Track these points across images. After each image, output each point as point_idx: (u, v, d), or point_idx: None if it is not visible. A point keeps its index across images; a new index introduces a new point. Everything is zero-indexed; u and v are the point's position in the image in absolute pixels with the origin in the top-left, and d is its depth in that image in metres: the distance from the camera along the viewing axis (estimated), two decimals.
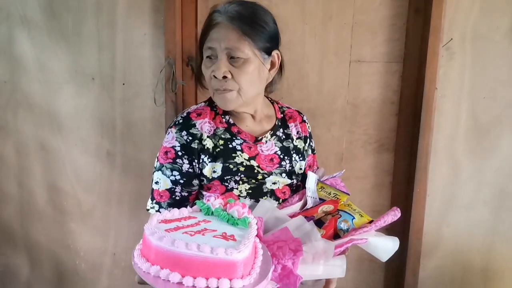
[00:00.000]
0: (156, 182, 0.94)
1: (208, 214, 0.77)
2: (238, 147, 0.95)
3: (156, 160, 0.95)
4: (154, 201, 0.94)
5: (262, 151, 0.97)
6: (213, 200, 0.79)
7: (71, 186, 1.61)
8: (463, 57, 1.36)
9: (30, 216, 1.66)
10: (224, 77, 0.88)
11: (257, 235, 0.77)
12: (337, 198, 0.97)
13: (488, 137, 1.40)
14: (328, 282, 0.89)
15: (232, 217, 0.74)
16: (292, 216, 0.91)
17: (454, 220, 1.47)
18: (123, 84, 1.50)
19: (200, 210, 0.79)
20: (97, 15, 1.45)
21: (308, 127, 1.10)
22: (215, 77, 0.89)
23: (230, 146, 0.94)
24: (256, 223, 0.78)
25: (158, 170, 0.94)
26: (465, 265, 1.49)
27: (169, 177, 0.92)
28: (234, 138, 0.96)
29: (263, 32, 0.90)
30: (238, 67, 0.88)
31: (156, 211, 0.94)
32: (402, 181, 1.49)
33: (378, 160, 1.52)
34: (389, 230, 0.90)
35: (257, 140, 0.98)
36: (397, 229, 0.95)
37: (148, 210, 0.95)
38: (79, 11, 1.46)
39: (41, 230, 1.67)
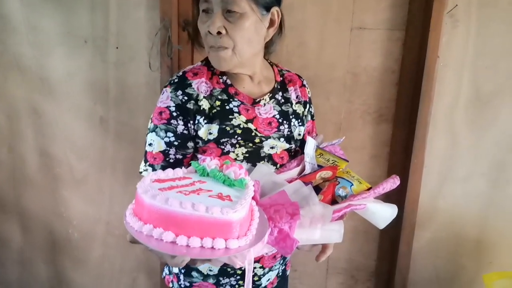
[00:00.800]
0: (150, 144, 0.91)
1: (204, 175, 0.75)
2: (235, 109, 0.92)
3: (150, 121, 0.91)
4: (148, 163, 0.91)
5: (260, 114, 0.94)
6: (209, 161, 0.77)
7: (63, 153, 1.57)
8: (467, 24, 1.32)
9: (22, 182, 1.64)
10: (219, 32, 0.84)
11: (253, 198, 0.75)
12: (336, 165, 0.95)
13: (488, 108, 1.38)
14: (324, 247, 0.88)
15: (229, 178, 0.73)
16: (290, 181, 0.89)
17: (450, 191, 1.46)
18: (117, 47, 1.45)
19: (195, 171, 0.77)
20: None
21: (308, 92, 1.06)
22: (210, 33, 0.85)
23: (227, 107, 0.91)
24: (253, 185, 0.77)
25: (152, 132, 0.90)
26: (459, 236, 1.50)
27: (163, 139, 0.89)
28: (231, 99, 0.92)
29: None
30: (233, 22, 0.84)
31: None
32: (399, 152, 1.48)
33: (377, 131, 1.50)
34: (385, 200, 0.89)
35: (255, 102, 0.94)
36: (392, 200, 0.94)
37: (141, 172, 0.92)
38: None
39: (33, 197, 1.65)
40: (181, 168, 0.77)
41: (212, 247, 0.60)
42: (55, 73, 1.50)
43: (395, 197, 1.40)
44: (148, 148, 0.91)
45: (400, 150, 1.48)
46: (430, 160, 1.43)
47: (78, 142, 1.55)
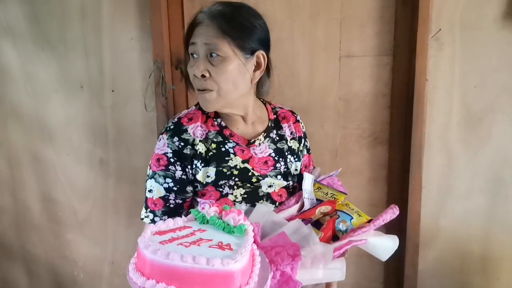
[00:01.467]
0: (150, 190, 0.92)
1: (204, 223, 0.75)
2: (231, 150, 0.93)
3: (149, 167, 0.93)
4: (148, 209, 0.93)
5: (256, 154, 0.96)
6: (208, 208, 0.77)
7: (65, 196, 1.59)
8: (453, 47, 1.35)
9: (26, 228, 1.65)
10: (203, 76, 0.87)
11: (254, 242, 0.76)
12: (335, 198, 0.96)
13: (480, 126, 1.40)
14: (328, 285, 0.89)
15: (228, 225, 0.73)
16: (290, 219, 0.90)
17: (451, 210, 1.47)
18: (112, 90, 1.48)
19: (195, 219, 0.77)
20: (81, 21, 1.44)
21: (302, 126, 1.08)
22: (196, 76, 0.88)
23: (223, 149, 0.93)
24: (253, 230, 0.77)
25: (151, 178, 0.92)
26: (464, 254, 1.50)
27: (162, 185, 0.91)
28: (226, 141, 0.94)
29: (245, 31, 0.88)
30: (216, 66, 0.87)
31: (151, 220, 0.93)
32: (397, 174, 1.49)
33: (373, 154, 1.51)
34: (386, 223, 0.89)
35: (249, 143, 0.96)
36: (394, 222, 0.94)
37: (142, 219, 0.94)
38: (63, 17, 1.44)
39: (38, 242, 1.66)
40: (182, 213, 0.78)
41: None
42: (54, 119, 1.53)
43: (397, 219, 1.40)
44: (148, 195, 0.93)
45: (397, 171, 1.49)
46: (428, 180, 1.44)
47: (79, 184, 1.57)
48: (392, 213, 0.91)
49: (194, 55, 0.89)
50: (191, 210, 0.79)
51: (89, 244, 1.62)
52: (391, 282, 1.58)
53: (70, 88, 1.49)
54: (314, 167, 1.12)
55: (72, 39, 1.45)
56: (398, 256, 1.52)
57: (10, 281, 1.72)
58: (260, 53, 0.91)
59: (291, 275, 0.74)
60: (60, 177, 1.58)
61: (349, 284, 1.62)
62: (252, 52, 0.90)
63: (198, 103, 1.00)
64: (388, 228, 1.49)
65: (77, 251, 1.64)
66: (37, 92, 1.52)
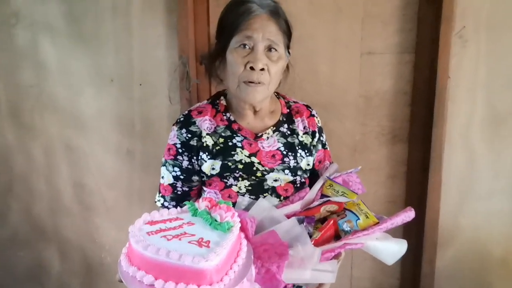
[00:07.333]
0: (162, 177, 1.00)
1: (195, 216, 0.77)
2: (239, 144, 0.96)
3: (163, 156, 1.00)
4: (160, 194, 1.01)
5: (263, 148, 0.97)
6: (201, 202, 0.79)
7: (95, 183, 1.69)
8: (477, 45, 1.33)
9: (59, 212, 1.76)
10: (262, 69, 0.88)
11: (245, 237, 0.77)
12: (345, 196, 0.93)
13: (505, 126, 1.37)
14: (320, 286, 0.87)
15: (215, 220, 0.74)
16: (292, 215, 0.89)
17: (471, 210, 1.45)
18: (140, 84, 1.55)
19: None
20: (113, 18, 1.52)
21: (318, 121, 1.06)
22: (252, 68, 0.87)
23: (230, 143, 0.95)
24: (247, 224, 0.78)
25: (163, 166, 1.00)
26: (484, 255, 1.48)
27: (171, 173, 0.98)
28: (234, 135, 0.96)
29: (290, 32, 0.95)
30: (274, 61, 0.90)
31: (161, 204, 1.00)
32: (416, 171, 1.49)
33: (392, 151, 1.52)
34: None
35: (257, 137, 0.97)
36: (412, 219, 0.94)
37: (155, 202, 1.01)
38: (96, 15, 1.53)
39: (69, 226, 1.77)
40: (190, 200, 0.82)
41: None
42: (86, 111, 1.62)
43: (415, 216, 1.40)
44: (161, 181, 1.01)
45: (417, 169, 1.49)
46: (448, 178, 1.43)
47: (108, 173, 1.66)
48: (406, 216, 0.88)
49: (247, 46, 0.88)
50: (186, 202, 0.81)
51: (115, 229, 1.71)
52: (408, 278, 1.58)
53: (101, 82, 1.58)
54: (331, 163, 1.10)
55: (104, 35, 1.54)
56: (416, 253, 1.52)
57: (44, 261, 1.84)
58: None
59: (275, 273, 0.75)
60: (91, 166, 1.67)
61: (366, 278, 1.63)
62: (289, 51, 0.96)
63: (210, 97, 1.04)
64: (406, 226, 1.50)
65: (105, 236, 1.74)
66: (72, 85, 1.61)
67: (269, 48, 0.89)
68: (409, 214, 0.88)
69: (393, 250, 0.85)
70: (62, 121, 1.66)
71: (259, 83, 0.89)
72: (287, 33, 0.93)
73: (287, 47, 0.95)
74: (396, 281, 1.62)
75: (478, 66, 1.35)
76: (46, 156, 1.72)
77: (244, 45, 0.89)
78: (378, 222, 0.88)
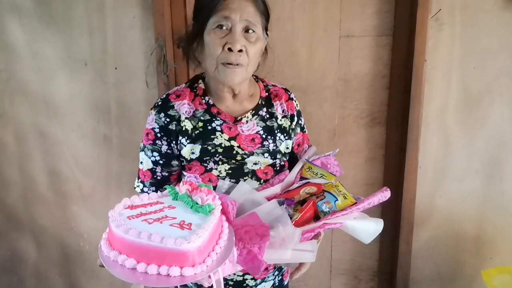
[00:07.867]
0: (141, 162, 0.98)
1: (176, 199, 0.77)
2: (218, 128, 0.94)
3: (141, 140, 0.98)
4: (139, 180, 0.99)
5: (243, 131, 0.96)
6: (181, 185, 0.79)
7: (70, 171, 1.64)
8: (453, 27, 1.35)
9: (34, 201, 1.71)
10: (240, 50, 0.87)
11: (227, 219, 0.78)
12: (324, 178, 0.94)
13: (478, 107, 1.41)
14: (300, 265, 0.90)
15: (196, 203, 0.74)
16: (273, 197, 0.90)
17: (446, 190, 1.49)
18: (115, 68, 1.51)
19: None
20: None
21: (296, 104, 1.05)
22: (230, 50, 0.86)
23: (210, 127, 0.94)
24: (228, 207, 0.79)
25: (142, 151, 0.97)
26: (458, 234, 1.52)
27: (150, 158, 0.96)
28: (214, 119, 0.95)
29: (268, 14, 0.92)
30: (252, 43, 0.88)
31: (141, 189, 0.98)
32: (394, 154, 1.51)
33: (371, 134, 1.53)
34: (382, 202, 0.89)
35: (236, 121, 0.96)
36: (390, 201, 0.95)
37: (135, 188, 0.99)
38: None
39: (45, 214, 1.72)
40: (169, 185, 0.80)
41: (168, 275, 0.63)
42: (59, 95, 1.57)
43: (392, 198, 1.42)
44: (140, 166, 0.99)
45: (394, 152, 1.51)
46: (424, 160, 1.46)
47: (84, 160, 1.62)
48: (383, 196, 0.89)
49: (224, 27, 0.87)
50: (166, 186, 0.81)
51: (93, 217, 1.68)
52: (386, 259, 1.62)
53: (74, 66, 1.53)
54: (309, 146, 1.11)
55: (76, 17, 1.48)
56: (393, 234, 1.56)
57: (19, 252, 1.80)
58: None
59: (257, 254, 0.76)
60: (65, 152, 1.63)
61: (345, 260, 1.66)
62: (267, 33, 0.94)
63: (188, 81, 1.01)
64: (384, 207, 1.53)
65: (82, 224, 1.70)
66: (43, 69, 1.55)
67: (247, 29, 0.87)
68: (385, 194, 0.89)
69: (370, 229, 0.86)
70: (34, 107, 1.60)
71: (237, 64, 0.88)
72: (265, 14, 0.92)
73: (265, 28, 0.93)
74: (374, 263, 1.66)
75: (453, 49, 1.37)
76: (18, 144, 1.66)
77: (222, 26, 0.87)
78: (356, 203, 0.89)
